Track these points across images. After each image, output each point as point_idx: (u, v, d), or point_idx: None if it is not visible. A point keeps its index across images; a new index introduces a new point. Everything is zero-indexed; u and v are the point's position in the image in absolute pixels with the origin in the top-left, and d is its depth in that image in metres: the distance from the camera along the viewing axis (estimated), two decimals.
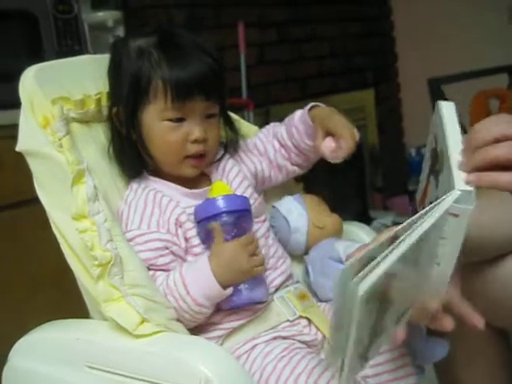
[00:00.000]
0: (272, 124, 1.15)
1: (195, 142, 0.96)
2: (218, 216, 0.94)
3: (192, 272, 0.90)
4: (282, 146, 1.10)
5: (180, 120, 0.95)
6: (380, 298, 0.67)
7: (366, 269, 0.65)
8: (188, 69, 0.94)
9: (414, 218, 0.69)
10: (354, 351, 0.69)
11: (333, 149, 1.00)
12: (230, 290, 0.90)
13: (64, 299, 1.68)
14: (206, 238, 0.96)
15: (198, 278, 0.89)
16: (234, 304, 0.93)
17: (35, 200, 1.64)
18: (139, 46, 0.97)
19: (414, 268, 0.72)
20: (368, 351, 0.74)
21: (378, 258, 0.65)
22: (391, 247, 0.66)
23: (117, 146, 1.01)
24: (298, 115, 1.08)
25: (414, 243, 0.67)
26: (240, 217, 0.95)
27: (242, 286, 0.93)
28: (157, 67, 0.94)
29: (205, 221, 0.95)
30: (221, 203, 0.94)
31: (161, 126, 0.96)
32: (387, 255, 0.65)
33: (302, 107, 1.09)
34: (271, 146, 1.11)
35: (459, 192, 0.69)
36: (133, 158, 1.01)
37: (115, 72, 1.00)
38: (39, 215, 1.70)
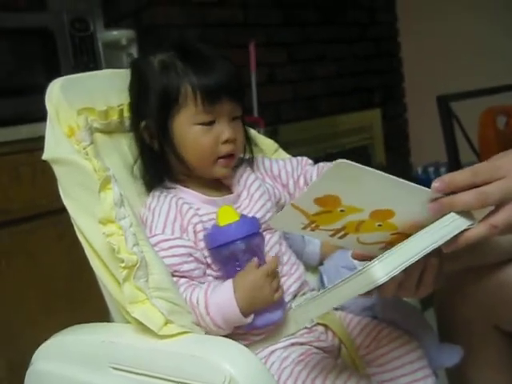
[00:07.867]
0: (304, 160, 1.14)
1: (226, 142, 0.99)
2: (231, 244, 0.94)
3: (216, 296, 0.91)
4: (307, 185, 1.11)
5: (210, 123, 0.98)
6: None
7: (392, 257, 0.69)
8: (214, 73, 0.97)
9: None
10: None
11: None
12: (250, 319, 0.91)
13: (77, 310, 1.70)
14: (220, 264, 0.97)
15: (220, 303, 0.90)
16: (254, 326, 0.94)
17: (50, 213, 1.67)
18: (160, 60, 0.99)
19: None
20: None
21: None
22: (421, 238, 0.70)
23: (147, 160, 1.03)
24: None
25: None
26: (251, 240, 0.95)
27: (261, 309, 0.93)
28: (184, 75, 0.97)
29: (217, 249, 0.95)
30: (231, 231, 0.94)
31: (193, 130, 0.98)
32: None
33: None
34: (294, 181, 1.11)
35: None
36: (161, 169, 1.03)
37: (139, 88, 1.02)
38: (53, 228, 1.74)
